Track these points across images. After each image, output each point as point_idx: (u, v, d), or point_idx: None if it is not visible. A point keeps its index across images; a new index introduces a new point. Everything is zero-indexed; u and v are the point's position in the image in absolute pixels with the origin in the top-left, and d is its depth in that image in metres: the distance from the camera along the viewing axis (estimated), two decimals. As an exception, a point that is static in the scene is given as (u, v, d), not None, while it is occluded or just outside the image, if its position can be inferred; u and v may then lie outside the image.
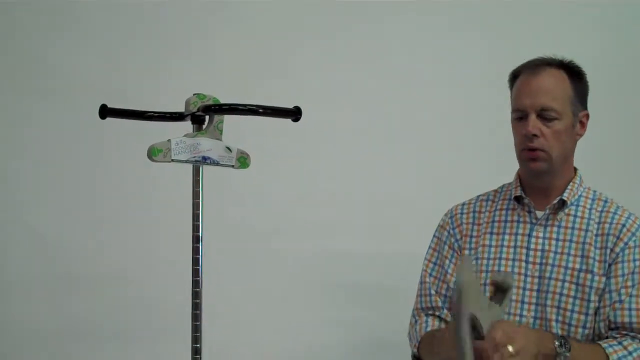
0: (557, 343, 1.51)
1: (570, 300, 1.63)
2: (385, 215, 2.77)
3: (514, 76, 1.74)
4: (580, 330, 1.63)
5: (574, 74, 1.69)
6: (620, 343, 1.57)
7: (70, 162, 2.84)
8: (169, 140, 1.71)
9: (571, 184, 1.70)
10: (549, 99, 1.63)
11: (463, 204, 1.86)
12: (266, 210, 2.76)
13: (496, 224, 1.76)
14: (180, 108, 1.82)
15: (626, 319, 1.59)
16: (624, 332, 1.60)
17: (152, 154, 1.69)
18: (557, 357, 1.50)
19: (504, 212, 1.77)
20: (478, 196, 1.86)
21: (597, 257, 1.63)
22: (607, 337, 1.62)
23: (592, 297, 1.62)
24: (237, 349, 2.73)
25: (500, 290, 1.45)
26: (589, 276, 1.63)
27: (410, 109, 2.82)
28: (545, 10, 2.91)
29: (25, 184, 2.86)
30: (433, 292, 1.82)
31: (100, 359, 2.80)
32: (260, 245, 2.79)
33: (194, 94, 1.78)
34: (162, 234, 2.77)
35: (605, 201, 1.71)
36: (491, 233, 1.75)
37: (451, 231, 1.83)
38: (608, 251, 1.63)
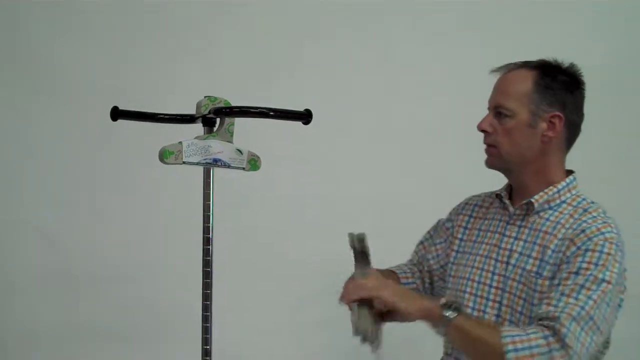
0: (443, 301, 1.54)
1: (521, 302, 1.63)
2: (395, 218, 2.79)
3: None
4: None
5: (546, 74, 1.68)
6: (522, 329, 1.51)
7: (79, 163, 2.86)
8: (180, 143, 1.72)
9: (549, 188, 1.68)
10: (502, 97, 1.67)
11: (473, 196, 1.92)
12: (276, 212, 2.78)
13: (484, 222, 1.80)
14: (191, 110, 1.83)
15: (543, 309, 1.52)
16: (539, 320, 1.52)
17: (164, 156, 1.70)
18: (441, 319, 1.53)
19: (491, 209, 1.81)
20: (488, 192, 1.90)
21: (551, 261, 1.60)
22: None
23: (535, 302, 1.60)
24: (245, 350, 2.74)
25: (361, 254, 1.61)
26: (535, 280, 1.61)
27: (417, 110, 2.85)
28: (548, 11, 2.94)
29: (33, 184, 2.87)
30: (415, 259, 1.97)
31: (105, 358, 2.82)
32: (270, 247, 2.81)
33: (205, 97, 1.79)
34: (172, 235, 2.79)
35: (586, 210, 1.64)
36: (479, 230, 1.80)
37: (453, 216, 1.91)
38: (561, 255, 1.59)
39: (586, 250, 1.55)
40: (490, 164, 1.72)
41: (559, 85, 1.67)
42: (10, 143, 2.87)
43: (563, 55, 2.82)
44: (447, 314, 1.53)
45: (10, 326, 2.86)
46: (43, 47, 2.86)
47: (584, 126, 2.94)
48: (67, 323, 2.83)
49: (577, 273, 1.54)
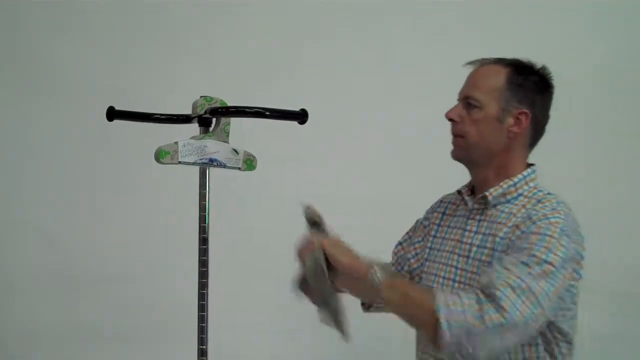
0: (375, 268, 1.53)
1: None
2: (394, 218, 2.78)
3: None
4: None
5: (519, 72, 1.70)
6: (456, 294, 1.50)
7: (79, 163, 2.88)
8: (176, 143, 1.72)
9: (505, 181, 1.69)
10: (473, 89, 1.70)
11: (448, 194, 1.93)
12: (273, 212, 2.77)
13: (450, 218, 1.83)
14: (187, 110, 1.83)
15: (482, 280, 1.52)
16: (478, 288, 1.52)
17: (160, 156, 1.70)
18: (370, 277, 1.52)
19: (460, 206, 1.82)
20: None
21: (499, 248, 1.61)
22: None
23: None
24: (242, 350, 2.75)
25: (314, 224, 1.61)
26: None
27: (417, 110, 2.84)
28: (548, 10, 2.94)
29: (33, 184, 2.88)
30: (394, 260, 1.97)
31: (105, 358, 2.83)
32: (265, 247, 2.79)
33: (201, 97, 1.79)
34: (168, 235, 2.79)
35: (539, 200, 1.64)
36: (448, 226, 1.82)
37: (429, 214, 1.93)
38: (507, 240, 1.60)
39: (530, 233, 1.56)
40: (456, 155, 1.74)
41: (530, 84, 1.70)
42: (10, 143, 2.88)
43: (564, 55, 2.87)
44: (375, 276, 1.52)
45: (10, 326, 2.87)
46: (43, 47, 2.87)
47: (585, 126, 2.96)
48: (66, 323, 2.84)
49: (519, 252, 1.54)
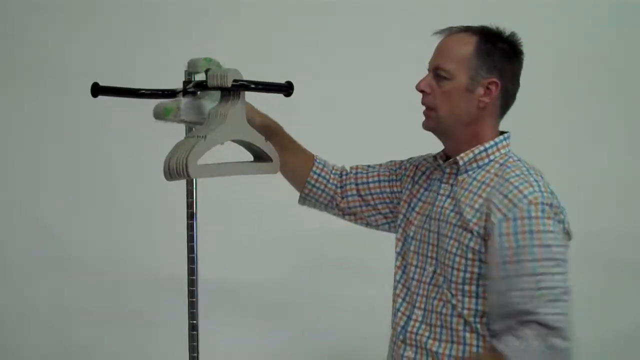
0: None
1: (451, 256, 1.67)
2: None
3: None
4: (460, 286, 1.66)
5: (487, 40, 1.69)
6: (515, 336, 1.57)
7: (65, 146, 2.88)
8: (176, 100, 1.69)
9: (477, 147, 1.70)
10: (442, 60, 1.69)
11: (429, 154, 1.92)
12: (261, 188, 2.74)
13: (427, 181, 1.84)
14: (171, 84, 1.78)
15: (517, 299, 1.57)
16: (518, 317, 1.58)
17: (165, 113, 1.67)
18: None
19: (433, 168, 1.84)
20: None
21: (474, 219, 1.63)
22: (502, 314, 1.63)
23: (470, 255, 1.64)
24: (233, 327, 2.75)
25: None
26: (467, 235, 1.64)
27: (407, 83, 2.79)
28: (548, 10, 2.90)
29: (21, 169, 2.89)
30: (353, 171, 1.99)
31: (99, 340, 2.84)
32: (256, 222, 2.83)
33: (203, 58, 1.75)
34: (158, 214, 2.80)
35: (509, 167, 1.67)
36: (423, 189, 1.84)
37: (407, 164, 1.93)
38: (484, 216, 1.62)
39: (514, 219, 1.58)
40: (427, 126, 1.74)
41: (499, 52, 1.69)
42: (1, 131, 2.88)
43: (564, 55, 2.81)
44: None
45: (2, 310, 2.88)
46: (26, 29, 2.87)
47: (587, 127, 2.93)
48: (58, 306, 2.85)
49: (518, 251, 1.57)
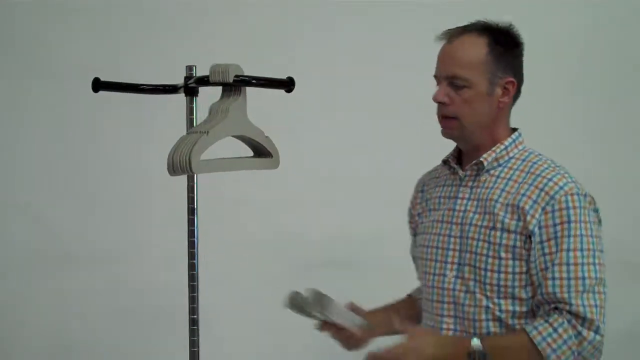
0: (473, 345, 1.55)
1: (484, 258, 1.64)
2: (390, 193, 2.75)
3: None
4: (495, 288, 1.63)
5: (497, 39, 1.67)
6: (546, 321, 1.57)
7: (64, 145, 2.86)
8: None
9: (497, 146, 1.69)
10: (457, 67, 1.65)
11: (418, 181, 1.93)
12: (262, 185, 2.75)
13: (437, 188, 1.82)
14: (171, 81, 1.81)
15: (550, 289, 1.57)
16: (552, 304, 1.59)
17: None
18: (472, 353, 1.54)
19: (441, 178, 1.83)
20: (433, 167, 1.92)
21: (508, 216, 1.62)
22: (538, 301, 1.63)
23: (503, 255, 1.62)
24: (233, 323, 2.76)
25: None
26: (497, 233, 1.62)
27: (408, 83, 2.79)
28: (548, 10, 2.88)
29: (21, 164, 2.88)
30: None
31: (99, 340, 2.83)
32: (257, 219, 2.83)
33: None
34: (158, 213, 2.79)
35: (535, 162, 1.67)
36: (436, 197, 1.81)
37: (410, 211, 1.93)
38: (519, 210, 1.61)
39: (552, 211, 1.59)
40: (450, 135, 1.72)
41: (509, 50, 1.69)
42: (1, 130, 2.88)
43: (564, 55, 2.81)
44: (475, 346, 1.55)
45: (3, 305, 2.87)
46: (27, 24, 2.85)
47: (587, 126, 2.93)
48: (57, 301, 2.84)
49: (556, 242, 1.58)
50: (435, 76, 1.71)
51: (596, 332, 1.54)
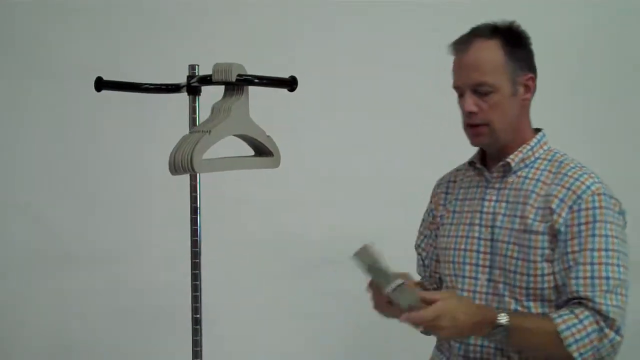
0: (499, 320, 1.54)
1: (514, 261, 1.65)
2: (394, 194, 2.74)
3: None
4: (524, 291, 1.64)
5: (509, 39, 1.68)
6: (572, 311, 1.56)
7: (65, 145, 2.86)
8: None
9: (522, 146, 1.70)
10: (479, 75, 1.65)
11: (442, 177, 1.93)
12: (263, 184, 2.74)
13: (461, 191, 1.82)
14: (170, 81, 1.81)
15: (573, 288, 1.58)
16: (577, 300, 1.59)
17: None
18: (496, 327, 1.53)
19: (467, 179, 1.82)
20: (457, 167, 1.91)
21: (538, 218, 1.62)
22: (563, 301, 1.62)
23: (532, 257, 1.62)
24: (236, 320, 2.76)
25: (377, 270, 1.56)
26: (528, 236, 1.63)
27: (409, 83, 2.79)
28: (548, 10, 2.87)
29: (21, 164, 2.87)
30: (421, 262, 1.96)
31: (99, 340, 2.84)
32: (258, 218, 2.82)
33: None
34: (158, 213, 2.79)
35: (561, 162, 1.68)
36: (457, 199, 1.82)
37: (431, 205, 1.93)
38: (548, 211, 1.61)
39: (578, 210, 1.59)
40: (482, 143, 1.72)
41: (521, 47, 1.70)
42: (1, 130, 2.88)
43: (564, 55, 2.81)
44: (502, 321, 1.54)
45: (4, 304, 2.88)
46: (27, 24, 2.85)
47: (586, 127, 2.92)
48: (57, 301, 2.84)
49: (581, 241, 1.58)
50: (457, 87, 1.70)
51: (617, 332, 1.55)
